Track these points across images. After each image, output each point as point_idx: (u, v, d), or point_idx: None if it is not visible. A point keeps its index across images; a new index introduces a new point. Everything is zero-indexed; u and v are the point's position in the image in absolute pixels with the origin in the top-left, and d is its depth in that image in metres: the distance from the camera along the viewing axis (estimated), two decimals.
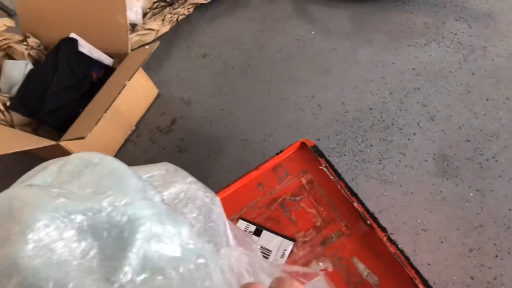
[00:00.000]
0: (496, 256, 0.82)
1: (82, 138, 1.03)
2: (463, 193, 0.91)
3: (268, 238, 0.67)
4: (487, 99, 1.03)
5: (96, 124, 1.04)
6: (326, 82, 1.21)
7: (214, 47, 1.48)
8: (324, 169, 0.70)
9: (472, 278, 0.81)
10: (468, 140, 0.97)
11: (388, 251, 0.60)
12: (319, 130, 1.10)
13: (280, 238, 0.66)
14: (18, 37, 1.46)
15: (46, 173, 0.41)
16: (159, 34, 1.54)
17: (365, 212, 0.64)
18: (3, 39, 1.42)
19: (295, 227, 0.67)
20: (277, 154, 0.76)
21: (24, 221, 0.33)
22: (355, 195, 0.66)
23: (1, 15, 1.49)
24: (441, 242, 0.86)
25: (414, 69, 1.14)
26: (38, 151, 1.32)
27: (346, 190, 0.67)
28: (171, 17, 1.56)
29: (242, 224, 0.70)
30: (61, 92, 1.29)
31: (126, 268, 0.34)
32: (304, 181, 0.72)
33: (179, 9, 1.57)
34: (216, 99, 1.31)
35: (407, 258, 0.58)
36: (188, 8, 1.58)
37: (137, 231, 0.35)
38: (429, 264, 0.84)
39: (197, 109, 1.31)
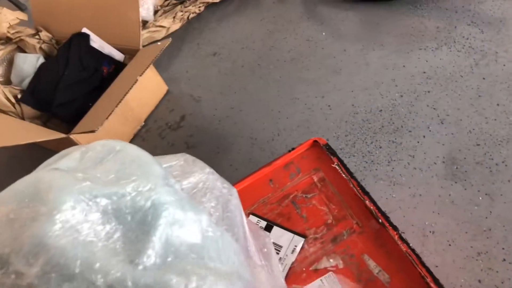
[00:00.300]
0: (504, 260, 0.82)
1: (93, 131, 1.04)
2: (472, 197, 0.91)
3: (278, 234, 0.67)
4: (498, 104, 1.03)
5: (107, 118, 1.05)
6: (336, 83, 1.21)
7: (224, 46, 1.48)
8: (336, 167, 0.70)
9: (479, 281, 0.81)
10: (478, 144, 0.98)
11: (399, 249, 0.60)
12: (328, 130, 1.11)
13: (291, 234, 0.67)
14: (30, 31, 1.47)
15: (69, 159, 0.41)
16: (169, 32, 1.55)
17: (377, 210, 0.64)
18: (15, 32, 1.43)
19: (306, 223, 0.67)
20: (289, 151, 0.77)
21: (51, 202, 0.34)
22: (367, 193, 0.66)
23: (12, 10, 1.50)
24: (449, 244, 0.86)
25: (424, 72, 1.15)
26: (47, 144, 1.32)
27: (358, 188, 0.67)
28: (182, 15, 1.57)
29: (253, 219, 0.70)
30: (72, 86, 1.30)
31: (150, 251, 0.34)
32: (315, 178, 0.72)
33: (190, 7, 1.58)
34: (225, 97, 1.32)
35: (418, 257, 0.59)
36: (199, 7, 1.59)
37: (160, 216, 0.36)
38: (436, 266, 0.84)
39: (206, 107, 1.31)
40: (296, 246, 0.65)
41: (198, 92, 1.37)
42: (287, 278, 0.62)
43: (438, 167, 0.97)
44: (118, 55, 1.39)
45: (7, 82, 1.42)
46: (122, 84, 1.18)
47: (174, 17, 1.56)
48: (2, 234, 0.34)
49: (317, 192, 0.70)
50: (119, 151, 0.42)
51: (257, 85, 1.31)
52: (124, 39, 1.35)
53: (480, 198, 0.90)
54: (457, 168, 0.95)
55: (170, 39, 1.20)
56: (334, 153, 0.72)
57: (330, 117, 1.14)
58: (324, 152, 0.74)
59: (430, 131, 1.03)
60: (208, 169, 0.48)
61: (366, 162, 1.02)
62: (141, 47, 1.31)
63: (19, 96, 1.34)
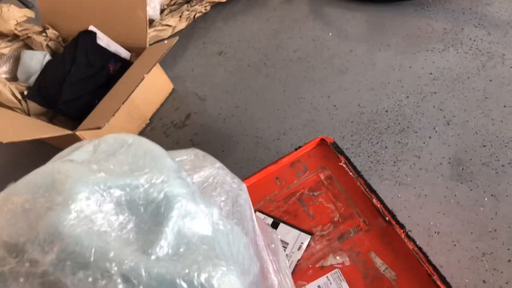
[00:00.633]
0: (509, 260, 0.82)
1: (99, 128, 1.04)
2: (477, 198, 0.91)
3: (285, 231, 0.67)
4: (505, 106, 1.03)
5: (113, 115, 1.05)
6: (342, 83, 1.21)
7: (230, 45, 1.49)
8: (344, 165, 0.71)
9: (484, 281, 0.81)
10: (484, 146, 0.97)
11: (406, 248, 0.60)
12: (334, 130, 1.11)
13: (297, 231, 0.67)
14: (37, 28, 1.48)
15: (82, 151, 0.42)
16: (175, 31, 1.56)
17: (383, 208, 0.64)
18: (22, 29, 1.44)
19: (312, 221, 0.68)
20: (296, 149, 0.77)
21: (67, 192, 0.34)
22: (374, 192, 0.66)
23: (20, 7, 1.52)
24: (454, 245, 0.86)
25: (431, 73, 1.15)
26: (52, 140, 1.33)
27: (365, 187, 0.67)
28: (188, 14, 1.57)
29: (259, 216, 0.70)
30: (78, 83, 1.31)
31: (163, 242, 0.35)
32: (322, 177, 0.72)
33: (196, 7, 1.58)
34: (230, 96, 1.32)
35: (425, 255, 0.59)
36: (205, 6, 1.59)
37: (173, 208, 0.36)
38: (441, 266, 0.84)
39: (212, 106, 1.32)
40: (302, 243, 0.65)
41: (204, 91, 1.37)
42: (293, 274, 0.62)
43: (444, 167, 0.97)
44: (124, 53, 1.40)
45: (14, 78, 1.43)
46: (128, 81, 1.19)
47: (180, 16, 1.56)
48: (17, 224, 0.34)
49: (324, 190, 0.70)
50: (132, 144, 0.42)
51: (262, 84, 1.31)
52: (131, 37, 1.36)
53: (486, 199, 0.90)
54: (463, 169, 0.95)
55: (177, 38, 1.21)
56: (341, 152, 0.73)
57: (336, 117, 1.14)
58: (331, 150, 0.74)
59: (436, 132, 1.03)
60: (218, 164, 0.49)
61: (372, 162, 1.02)
62: (147, 45, 1.32)
63: (25, 92, 1.35)
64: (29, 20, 1.45)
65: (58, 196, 0.34)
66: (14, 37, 1.44)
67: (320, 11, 1.47)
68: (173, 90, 1.41)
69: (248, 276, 0.38)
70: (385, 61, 1.22)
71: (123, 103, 1.07)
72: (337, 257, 0.62)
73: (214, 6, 1.62)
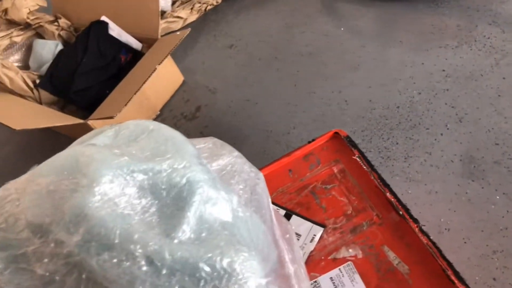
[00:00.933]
0: None
1: (111, 117, 1.05)
2: (489, 196, 0.90)
3: (297, 223, 0.68)
4: None
5: (126, 105, 1.06)
6: (353, 78, 1.21)
7: (241, 39, 1.49)
8: (357, 159, 0.71)
9: (494, 279, 0.81)
10: (497, 144, 0.97)
11: (419, 242, 0.60)
12: (345, 125, 1.11)
13: (310, 224, 0.67)
14: (49, 18, 1.49)
15: (104, 136, 0.42)
16: (186, 23, 1.56)
17: (397, 203, 0.64)
18: (34, 18, 1.45)
19: (325, 214, 0.68)
20: (309, 142, 0.77)
21: (91, 175, 0.34)
22: (387, 186, 0.66)
23: None
24: (465, 242, 0.86)
25: (444, 70, 1.14)
26: (63, 129, 1.34)
27: (379, 180, 0.67)
28: (199, 6, 1.57)
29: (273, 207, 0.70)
30: (89, 73, 1.31)
31: (185, 226, 0.35)
32: (335, 170, 0.72)
33: None
34: (241, 89, 1.32)
35: (439, 250, 0.59)
36: None
37: (195, 193, 0.37)
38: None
39: (222, 99, 1.32)
40: (315, 235, 0.65)
41: (214, 84, 1.37)
42: (305, 266, 0.62)
43: (455, 165, 0.96)
44: (136, 44, 1.40)
45: (26, 67, 1.44)
46: (140, 72, 1.19)
47: (191, 8, 1.56)
48: (43, 205, 0.34)
49: (337, 183, 0.70)
50: (153, 130, 0.42)
51: (273, 79, 1.31)
52: (143, 28, 1.36)
53: (497, 197, 0.90)
54: (474, 166, 0.95)
55: (189, 29, 1.21)
56: (355, 145, 0.73)
57: (347, 112, 1.14)
58: (344, 144, 0.74)
59: (448, 129, 1.02)
60: (236, 153, 0.49)
61: (382, 158, 1.02)
62: (159, 36, 1.32)
63: (37, 81, 1.35)
64: (41, 9, 1.46)
65: (83, 178, 0.34)
66: (26, 26, 1.44)
67: (332, 6, 1.47)
68: (184, 82, 1.41)
69: (267, 262, 0.38)
70: (397, 57, 1.22)
71: (135, 93, 1.07)
72: (350, 250, 0.62)
73: None
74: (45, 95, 1.33)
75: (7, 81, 1.24)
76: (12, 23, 1.43)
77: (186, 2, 1.60)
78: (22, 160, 1.35)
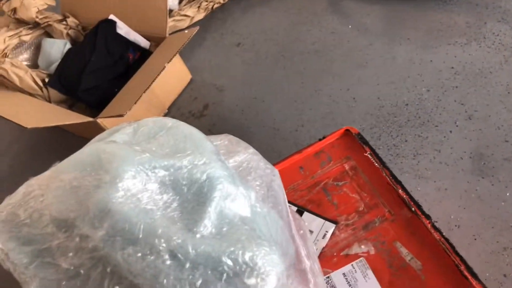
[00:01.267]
0: None
1: (121, 116, 1.05)
2: (499, 193, 0.90)
3: (309, 219, 0.68)
4: None
5: (135, 103, 1.06)
6: (361, 76, 1.21)
7: (248, 37, 1.49)
8: (369, 156, 0.71)
9: (505, 275, 0.81)
10: (507, 141, 0.97)
11: (432, 238, 0.60)
12: (353, 122, 1.11)
13: (322, 220, 0.67)
14: (58, 17, 1.50)
15: (122, 133, 0.43)
16: (193, 21, 1.56)
17: (409, 199, 0.64)
18: (43, 17, 1.46)
19: (337, 210, 0.68)
20: (320, 139, 0.77)
21: (114, 171, 0.35)
22: (399, 182, 0.67)
23: None
24: (475, 239, 0.86)
25: (452, 67, 1.14)
26: (72, 128, 1.35)
27: (391, 177, 0.67)
28: (206, 4, 1.57)
29: None
30: (98, 72, 1.32)
31: (206, 221, 0.35)
32: (347, 167, 0.72)
33: None
34: (248, 87, 1.32)
35: (452, 245, 0.59)
36: None
37: (215, 189, 0.37)
38: None
39: (229, 96, 1.32)
40: (327, 231, 0.66)
41: (221, 82, 1.37)
42: None
43: (465, 162, 0.96)
44: (144, 42, 1.40)
45: (34, 66, 1.45)
46: (149, 70, 1.20)
47: (198, 7, 1.56)
48: (67, 201, 0.35)
49: (348, 180, 0.71)
50: (171, 127, 0.43)
51: (280, 76, 1.31)
52: (150, 26, 1.37)
53: (508, 194, 0.90)
54: (484, 163, 0.95)
55: (197, 27, 1.21)
56: (366, 142, 0.73)
57: (355, 109, 1.14)
58: (355, 141, 0.74)
59: (457, 126, 1.02)
60: (251, 150, 0.49)
61: (392, 155, 1.02)
62: (167, 34, 1.33)
63: (46, 80, 1.36)
64: (49, 8, 1.47)
65: (106, 174, 0.35)
66: (35, 25, 1.45)
67: (338, 4, 1.46)
68: (191, 80, 1.42)
69: (286, 257, 0.39)
70: (405, 55, 1.22)
71: (144, 92, 1.08)
72: (362, 246, 0.63)
73: None
74: (54, 93, 1.34)
75: (16, 80, 1.26)
76: (21, 22, 1.44)
77: (193, 1, 1.60)
78: (31, 158, 1.36)
